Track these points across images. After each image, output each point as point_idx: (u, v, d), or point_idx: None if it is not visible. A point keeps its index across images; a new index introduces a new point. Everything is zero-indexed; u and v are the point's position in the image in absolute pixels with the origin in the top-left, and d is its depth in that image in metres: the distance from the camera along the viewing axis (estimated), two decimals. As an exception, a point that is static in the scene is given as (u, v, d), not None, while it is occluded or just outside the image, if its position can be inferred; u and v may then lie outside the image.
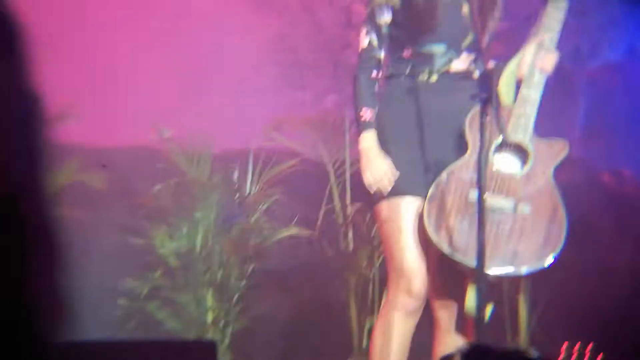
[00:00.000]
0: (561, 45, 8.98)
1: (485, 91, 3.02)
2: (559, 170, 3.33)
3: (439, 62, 3.31)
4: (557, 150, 3.33)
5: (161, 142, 5.10)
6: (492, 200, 3.20)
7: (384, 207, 3.30)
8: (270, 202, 5.19)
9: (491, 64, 3.19)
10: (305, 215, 5.24)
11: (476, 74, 3.32)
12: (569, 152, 3.34)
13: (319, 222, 5.22)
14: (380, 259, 5.02)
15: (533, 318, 4.93)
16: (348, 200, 5.27)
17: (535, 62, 3.32)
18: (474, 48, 3.33)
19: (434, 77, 3.30)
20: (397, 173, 3.27)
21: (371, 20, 3.34)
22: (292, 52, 6.07)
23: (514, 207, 3.24)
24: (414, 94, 3.28)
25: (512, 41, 3.53)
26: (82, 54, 6.33)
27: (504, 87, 3.32)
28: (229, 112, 5.84)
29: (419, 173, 3.29)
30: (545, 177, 3.30)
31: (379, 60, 3.34)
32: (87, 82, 6.30)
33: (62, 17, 6.44)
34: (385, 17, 3.30)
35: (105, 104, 6.13)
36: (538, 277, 3.41)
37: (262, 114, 6.14)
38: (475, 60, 3.37)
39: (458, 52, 3.33)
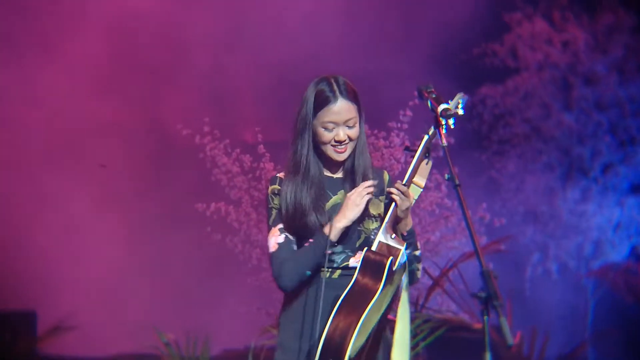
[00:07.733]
0: (563, 244, 8.92)
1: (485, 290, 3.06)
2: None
3: (338, 259, 3.48)
4: None
5: (161, 346, 5.11)
6: None
7: None
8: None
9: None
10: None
11: None
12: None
13: None
14: None
15: None
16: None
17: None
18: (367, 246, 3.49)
19: (336, 274, 3.47)
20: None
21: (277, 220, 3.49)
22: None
23: None
24: (315, 289, 3.43)
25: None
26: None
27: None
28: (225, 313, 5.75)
29: None
30: None
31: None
32: (83, 293, 6.25)
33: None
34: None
35: (103, 313, 6.07)
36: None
37: (262, 312, 6.10)
38: None
39: (353, 251, 3.49)
